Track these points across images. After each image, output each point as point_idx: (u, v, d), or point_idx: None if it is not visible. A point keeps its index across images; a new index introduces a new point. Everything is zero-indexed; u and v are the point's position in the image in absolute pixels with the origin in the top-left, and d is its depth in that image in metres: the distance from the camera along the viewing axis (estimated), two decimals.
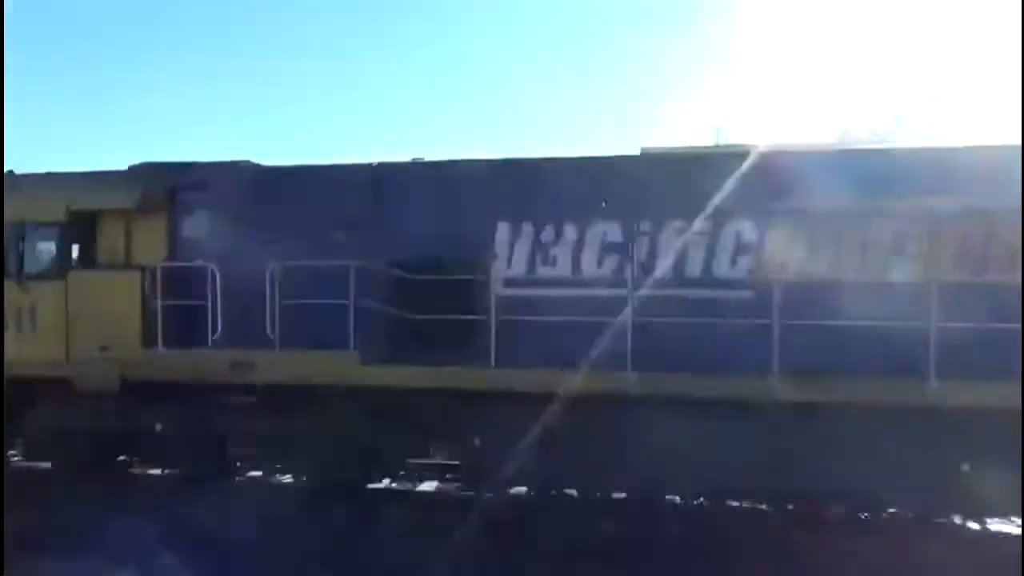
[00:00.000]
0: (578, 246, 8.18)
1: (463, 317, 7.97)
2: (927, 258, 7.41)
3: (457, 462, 9.15)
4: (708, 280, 7.88)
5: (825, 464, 7.26)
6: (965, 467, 7.15)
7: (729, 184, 7.79)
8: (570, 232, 8.20)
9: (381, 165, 8.76)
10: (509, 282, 8.27)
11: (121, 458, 9.14)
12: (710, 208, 7.81)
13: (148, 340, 8.56)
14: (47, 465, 9.30)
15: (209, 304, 8.40)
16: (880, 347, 7.16)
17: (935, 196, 7.34)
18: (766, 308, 7.44)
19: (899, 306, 7.21)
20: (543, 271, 8.25)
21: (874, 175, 7.55)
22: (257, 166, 9.24)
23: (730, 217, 7.84)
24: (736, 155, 7.98)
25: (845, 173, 7.57)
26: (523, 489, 8.45)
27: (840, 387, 7.19)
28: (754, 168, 7.76)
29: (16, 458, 9.53)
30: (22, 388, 8.86)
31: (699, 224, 7.88)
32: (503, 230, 8.30)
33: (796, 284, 7.53)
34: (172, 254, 8.92)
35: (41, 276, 8.87)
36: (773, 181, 7.71)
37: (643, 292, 7.82)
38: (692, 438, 7.45)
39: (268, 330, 8.28)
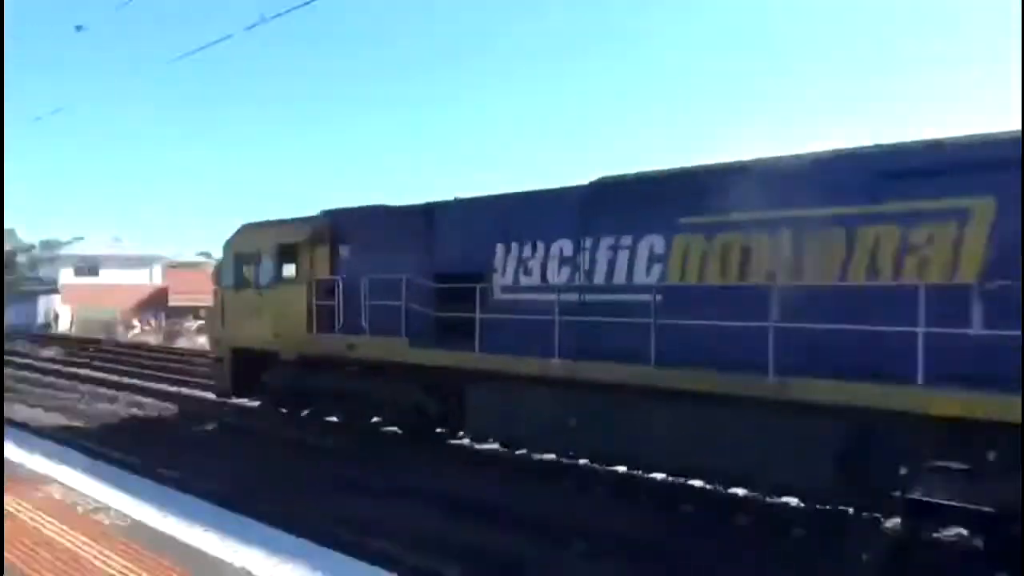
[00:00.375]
0: (547, 259, 10.25)
1: (471, 315, 10.66)
2: (789, 264, 7.90)
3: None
4: (629, 285, 9.29)
5: (683, 441, 8.30)
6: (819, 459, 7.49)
7: (643, 204, 9.19)
8: (543, 249, 10.31)
9: (430, 203, 11.89)
10: (510, 288, 10.72)
11: (305, 412, 13.80)
12: (631, 225, 9.30)
13: (310, 328, 13.04)
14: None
15: (336, 305, 12.54)
16: (752, 344, 7.92)
17: (799, 206, 7.82)
18: (672, 308, 8.67)
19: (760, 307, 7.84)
20: (525, 278, 10.51)
21: (753, 189, 8.20)
22: (379, 207, 13.09)
23: (646, 233, 9.17)
24: (652, 179, 9.28)
25: (737, 190, 8.38)
26: None
27: (696, 378, 8.15)
28: (665, 189, 9.02)
29: (259, 403, 15.00)
30: (261, 357, 14.17)
31: (623, 239, 9.38)
32: (501, 249, 10.76)
33: (689, 287, 8.65)
34: (332, 271, 13.25)
35: (267, 286, 14.01)
36: (681, 200, 8.85)
37: (581, 295, 9.66)
38: (589, 413, 9.15)
39: (363, 323, 12.08)
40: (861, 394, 6.87)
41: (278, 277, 13.91)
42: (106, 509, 6.72)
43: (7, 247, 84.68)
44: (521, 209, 10.66)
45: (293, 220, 14.13)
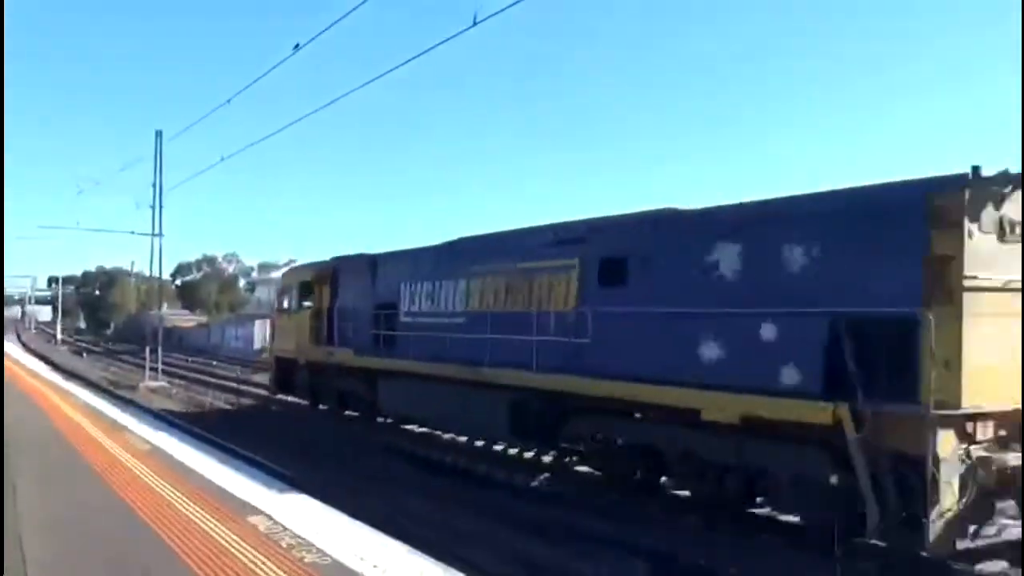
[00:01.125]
0: (422, 294, 14.97)
1: (388, 332, 15.61)
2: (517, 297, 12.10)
3: None
4: (451, 310, 13.78)
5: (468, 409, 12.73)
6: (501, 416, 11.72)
7: (460, 257, 13.73)
8: (421, 287, 15.05)
9: (376, 254, 17.01)
10: (407, 314, 15.56)
11: (321, 406, 19.35)
12: (454, 271, 13.86)
13: (311, 342, 18.59)
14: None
15: (322, 326, 18.01)
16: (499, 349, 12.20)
17: (514, 261, 12.05)
18: (469, 327, 13.12)
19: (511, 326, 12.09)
20: (412, 307, 15.28)
21: (499, 249, 12.51)
22: (359, 255, 18.36)
23: (459, 277, 13.66)
24: (464, 240, 13.78)
25: (494, 249, 12.76)
26: None
27: (446, 368, 12.60)
28: (467, 248, 13.54)
29: (291, 398, 20.72)
30: (290, 363, 19.94)
31: (449, 281, 13.94)
32: (403, 287, 15.63)
33: (474, 312, 13.05)
34: (333, 303, 18.72)
35: (294, 311, 19.81)
36: (471, 256, 13.33)
37: (434, 318, 14.31)
38: (429, 396, 13.78)
39: (336, 339, 17.42)
40: (508, 377, 11.05)
41: (299, 305, 19.69)
42: (308, 546, 6.60)
43: (231, 269, 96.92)
44: (413, 259, 15.50)
45: (311, 264, 19.89)
